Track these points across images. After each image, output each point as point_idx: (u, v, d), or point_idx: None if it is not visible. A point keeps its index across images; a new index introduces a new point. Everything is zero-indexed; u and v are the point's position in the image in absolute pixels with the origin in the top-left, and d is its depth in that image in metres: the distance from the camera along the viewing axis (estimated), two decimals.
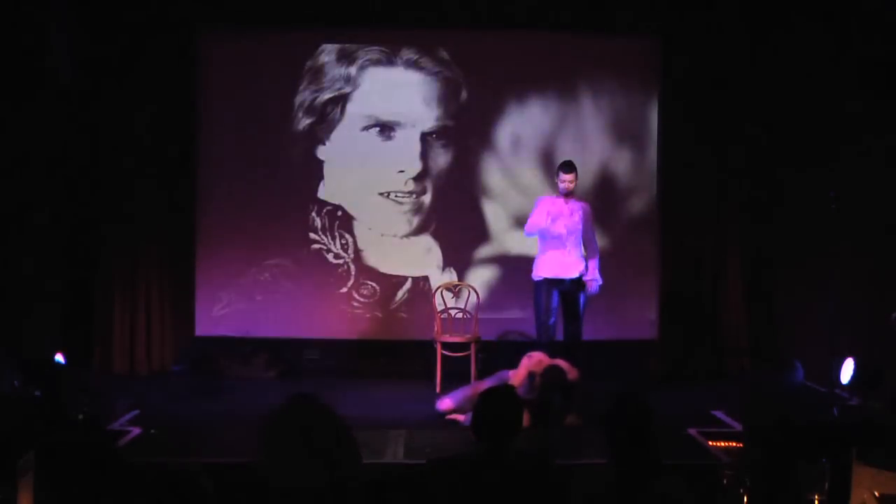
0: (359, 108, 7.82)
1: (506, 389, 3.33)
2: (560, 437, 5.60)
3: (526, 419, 5.34)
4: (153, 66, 7.52)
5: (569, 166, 6.57)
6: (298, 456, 2.11)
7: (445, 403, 6.10)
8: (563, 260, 6.60)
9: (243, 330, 7.75)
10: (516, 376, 5.96)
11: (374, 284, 7.90)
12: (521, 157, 7.86)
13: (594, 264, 6.72)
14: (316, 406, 2.24)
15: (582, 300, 6.69)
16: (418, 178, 7.86)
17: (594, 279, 6.70)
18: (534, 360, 5.99)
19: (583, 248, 6.67)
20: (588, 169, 7.82)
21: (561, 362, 5.97)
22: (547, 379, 5.81)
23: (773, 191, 7.70)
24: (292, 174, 7.83)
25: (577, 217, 6.58)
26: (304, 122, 7.83)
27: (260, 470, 2.18)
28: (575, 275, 6.62)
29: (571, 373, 5.91)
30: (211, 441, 5.49)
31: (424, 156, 7.82)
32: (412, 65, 7.84)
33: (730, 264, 7.77)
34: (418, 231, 7.91)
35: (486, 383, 5.85)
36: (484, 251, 7.91)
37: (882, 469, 2.75)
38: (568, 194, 6.55)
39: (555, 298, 6.60)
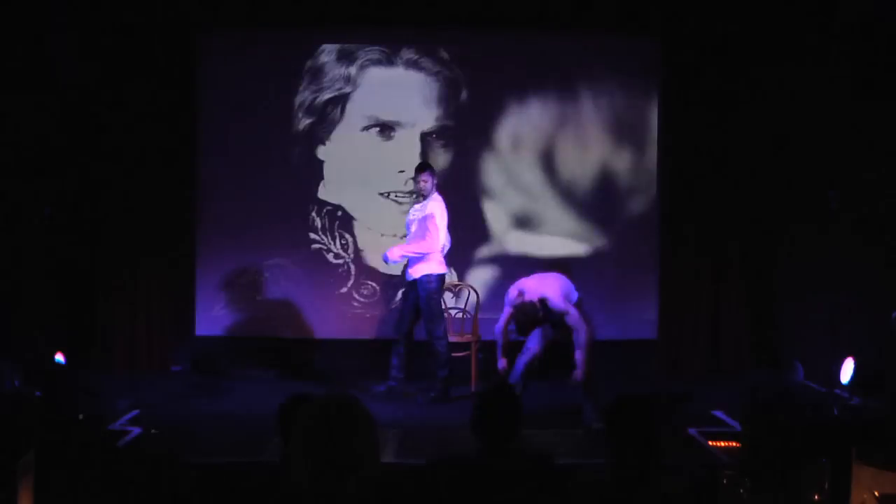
0: (359, 108, 7.81)
1: (505, 390, 3.32)
2: (560, 438, 5.60)
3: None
4: (153, 67, 7.53)
5: (415, 168, 6.88)
6: (325, 456, 2.02)
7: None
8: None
9: (243, 330, 7.75)
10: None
11: (374, 284, 7.90)
12: (521, 157, 7.86)
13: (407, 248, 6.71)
14: (351, 403, 2.13)
15: (418, 299, 6.73)
16: None
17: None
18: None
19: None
20: (588, 169, 7.82)
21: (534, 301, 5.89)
22: (521, 315, 5.85)
23: (773, 190, 7.70)
24: (292, 174, 7.83)
25: (412, 218, 6.81)
26: (304, 122, 7.83)
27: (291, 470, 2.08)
28: (410, 276, 6.80)
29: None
30: (211, 441, 5.49)
31: (424, 156, 7.80)
32: (412, 65, 7.83)
33: (730, 264, 7.77)
34: None
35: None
36: (484, 251, 7.90)
37: (882, 469, 2.75)
38: (419, 195, 6.83)
39: (407, 296, 6.86)
